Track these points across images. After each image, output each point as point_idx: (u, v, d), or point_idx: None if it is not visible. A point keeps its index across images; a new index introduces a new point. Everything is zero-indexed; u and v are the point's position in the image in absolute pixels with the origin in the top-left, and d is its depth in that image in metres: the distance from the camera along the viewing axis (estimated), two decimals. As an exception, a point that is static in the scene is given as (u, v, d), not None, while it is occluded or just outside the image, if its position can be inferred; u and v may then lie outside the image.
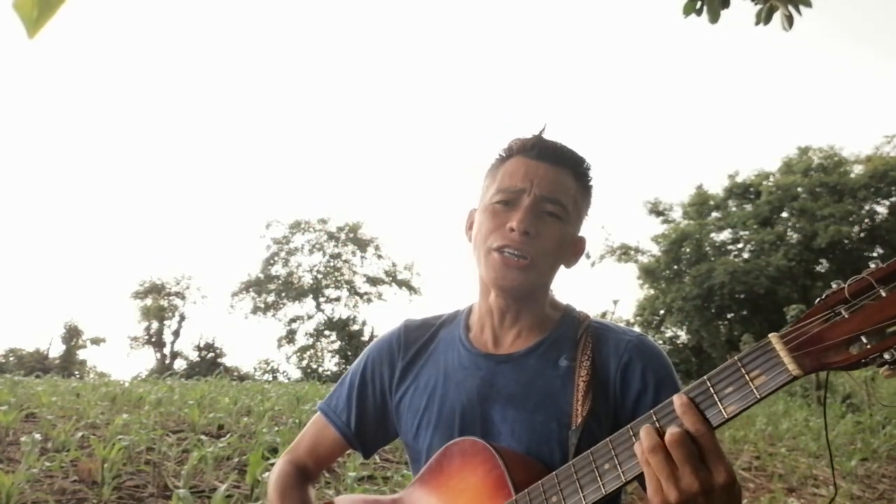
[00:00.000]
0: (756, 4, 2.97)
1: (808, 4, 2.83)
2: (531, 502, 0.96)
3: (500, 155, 1.22)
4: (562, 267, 1.21)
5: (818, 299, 0.79)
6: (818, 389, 12.32)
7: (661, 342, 22.30)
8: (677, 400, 0.83)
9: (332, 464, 1.45)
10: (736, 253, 28.75)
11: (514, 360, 1.17)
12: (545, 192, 1.13)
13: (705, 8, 2.93)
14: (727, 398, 0.81)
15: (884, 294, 0.74)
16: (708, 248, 28.70)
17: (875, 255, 26.67)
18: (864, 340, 0.75)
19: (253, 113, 58.06)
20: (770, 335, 0.80)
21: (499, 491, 1.01)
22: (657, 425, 0.85)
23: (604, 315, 29.73)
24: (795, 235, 27.16)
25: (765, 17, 2.92)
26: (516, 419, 1.12)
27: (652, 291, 30.27)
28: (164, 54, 58.37)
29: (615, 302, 30.42)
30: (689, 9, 2.96)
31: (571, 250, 1.20)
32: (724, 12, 2.90)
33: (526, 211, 1.12)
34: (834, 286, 0.78)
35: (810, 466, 5.92)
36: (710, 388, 0.82)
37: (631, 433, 0.88)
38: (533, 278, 1.14)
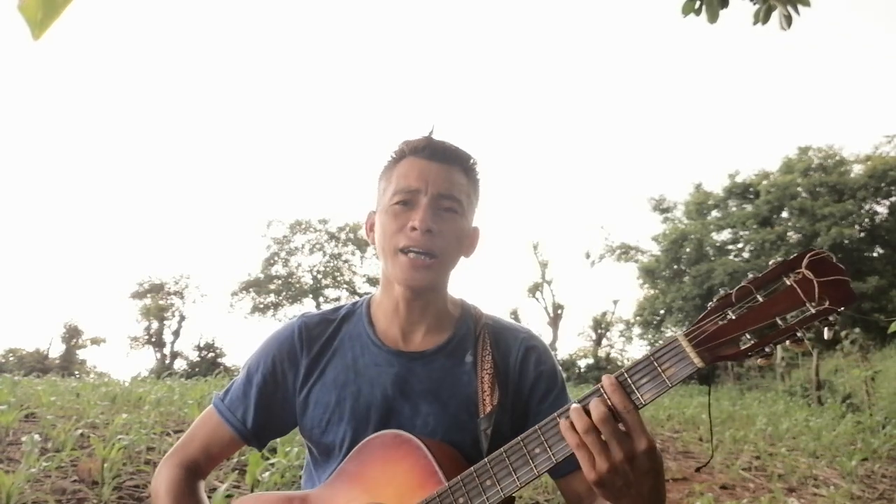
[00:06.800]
0: (754, 4, 2.97)
1: (807, 4, 2.83)
2: (464, 486, 1.03)
3: (391, 156, 1.28)
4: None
5: (710, 303, 0.94)
6: (818, 389, 12.31)
7: (661, 342, 22.05)
8: (606, 381, 0.95)
9: (225, 459, 1.51)
10: (736, 253, 28.72)
11: (426, 357, 1.25)
12: (441, 190, 1.20)
13: (704, 8, 2.94)
14: (643, 387, 0.95)
15: (760, 299, 0.90)
16: (708, 248, 28.68)
17: (875, 254, 26.67)
18: (748, 337, 0.91)
19: (253, 113, 58.12)
20: (677, 334, 0.94)
21: (428, 479, 1.07)
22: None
23: (604, 315, 29.70)
24: (795, 235, 27.13)
25: (763, 17, 2.93)
26: (430, 412, 1.20)
27: (652, 291, 30.25)
28: (164, 55, 58.43)
29: (615, 302, 30.43)
30: (688, 9, 2.97)
31: (469, 241, 1.28)
32: (722, 12, 2.91)
33: (425, 209, 1.18)
34: (722, 292, 0.93)
35: (810, 466, 5.92)
36: (628, 379, 0.96)
37: (558, 419, 0.98)
38: (440, 274, 1.23)
